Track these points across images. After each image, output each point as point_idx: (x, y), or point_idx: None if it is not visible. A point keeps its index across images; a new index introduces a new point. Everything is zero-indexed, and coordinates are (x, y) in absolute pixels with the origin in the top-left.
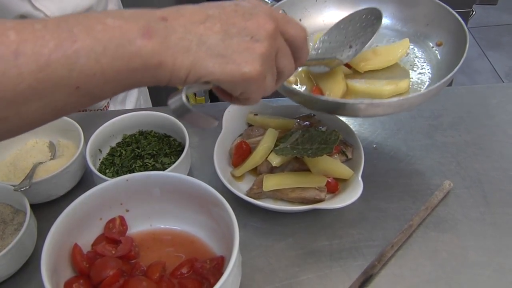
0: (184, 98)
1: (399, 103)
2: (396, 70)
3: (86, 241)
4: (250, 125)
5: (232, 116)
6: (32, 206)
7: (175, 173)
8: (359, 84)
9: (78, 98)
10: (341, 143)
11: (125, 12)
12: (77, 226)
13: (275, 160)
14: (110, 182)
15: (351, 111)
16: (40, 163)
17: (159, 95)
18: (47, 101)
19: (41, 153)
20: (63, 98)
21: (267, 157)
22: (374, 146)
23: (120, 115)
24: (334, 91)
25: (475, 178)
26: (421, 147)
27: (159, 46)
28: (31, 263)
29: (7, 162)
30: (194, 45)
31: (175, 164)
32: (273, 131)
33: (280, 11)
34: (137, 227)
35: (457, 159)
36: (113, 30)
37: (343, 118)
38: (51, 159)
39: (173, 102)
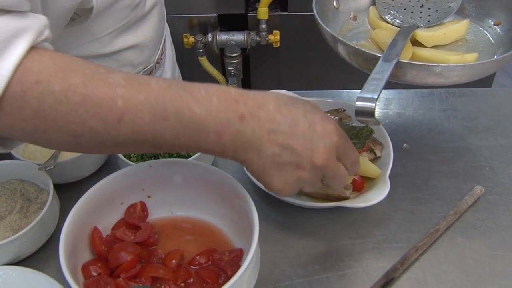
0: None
1: (473, 67)
2: (459, 47)
3: (106, 224)
4: None
5: None
6: (56, 186)
7: (198, 161)
8: (424, 52)
9: (155, 150)
10: (372, 140)
11: (213, 101)
12: (97, 209)
13: None
14: (132, 167)
15: (419, 75)
16: None
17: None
18: (132, 149)
19: None
20: (143, 149)
21: None
22: (405, 145)
23: None
24: (402, 55)
25: (508, 184)
26: (453, 150)
27: (226, 143)
28: (52, 242)
29: None
30: (253, 150)
31: (199, 153)
32: None
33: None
34: (158, 214)
35: (490, 164)
36: (196, 119)
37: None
38: None
39: (362, 105)
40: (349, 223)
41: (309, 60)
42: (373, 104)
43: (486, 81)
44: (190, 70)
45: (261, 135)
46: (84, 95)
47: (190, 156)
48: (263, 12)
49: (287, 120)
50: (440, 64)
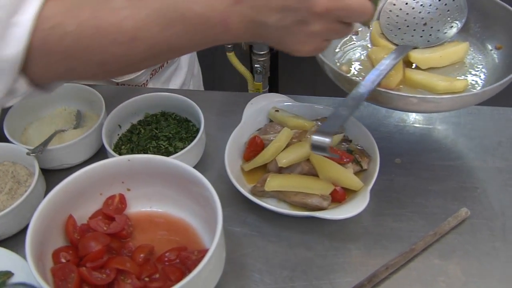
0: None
1: (451, 100)
2: (456, 70)
3: (83, 213)
4: (271, 121)
5: (254, 110)
6: (46, 171)
7: (175, 160)
8: (416, 75)
9: (176, 55)
10: (358, 152)
11: None
12: (75, 197)
13: (283, 161)
14: (111, 160)
15: (399, 105)
16: (62, 130)
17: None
18: (156, 61)
19: (66, 120)
20: (166, 58)
21: None
22: (397, 160)
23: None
24: (391, 78)
25: (498, 210)
26: (447, 168)
27: (234, 29)
28: None
29: (34, 126)
30: (261, 26)
31: (183, 150)
32: (288, 130)
33: None
34: (136, 207)
35: (483, 187)
36: (200, 18)
37: (365, 127)
38: (74, 128)
39: (317, 140)
40: (324, 235)
41: None
42: (328, 140)
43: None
44: (218, 65)
45: (260, 9)
46: (97, 26)
47: (172, 153)
48: None
49: None
50: (416, 96)
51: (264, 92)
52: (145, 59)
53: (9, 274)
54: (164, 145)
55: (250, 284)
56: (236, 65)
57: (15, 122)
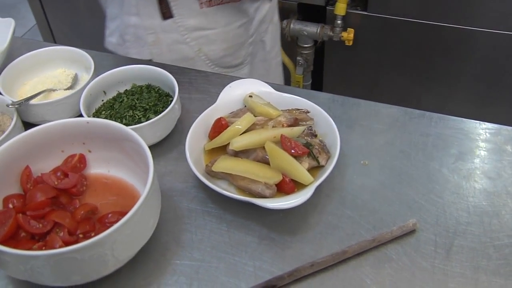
0: None
1: None
2: None
3: (43, 167)
4: (245, 106)
5: (231, 93)
6: (30, 125)
7: (128, 128)
8: None
9: None
10: (319, 148)
11: None
12: (35, 150)
13: (235, 144)
14: (71, 120)
15: None
16: (53, 90)
17: None
18: None
19: (62, 81)
20: None
21: None
22: (364, 162)
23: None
24: None
25: (451, 227)
26: (416, 176)
27: None
28: None
29: (32, 82)
30: None
31: (149, 121)
32: (250, 115)
33: None
34: (95, 169)
35: (448, 201)
36: None
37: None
38: (66, 89)
39: None
40: (265, 224)
41: (380, 64)
42: None
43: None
44: None
45: None
46: None
47: (149, 118)
48: (340, 7)
49: None
50: None
51: (305, 87)
52: None
53: None
54: (138, 115)
55: (178, 256)
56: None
57: (13, 77)
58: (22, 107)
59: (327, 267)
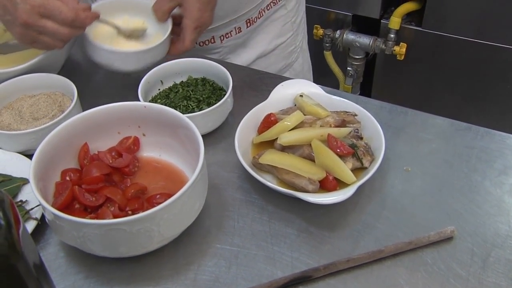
0: None
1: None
2: None
3: (100, 146)
4: (295, 105)
5: (283, 92)
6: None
7: (184, 116)
8: None
9: None
10: (363, 150)
11: None
12: (93, 129)
13: (283, 139)
14: (128, 103)
15: None
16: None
17: None
18: None
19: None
20: None
21: None
22: (407, 168)
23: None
24: None
25: (489, 238)
26: (457, 186)
27: None
28: None
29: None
30: None
31: (201, 112)
32: (300, 113)
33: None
34: (148, 152)
35: (488, 213)
36: None
37: (383, 130)
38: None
39: None
40: (305, 217)
41: (430, 81)
42: None
43: None
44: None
45: None
46: None
47: (202, 109)
48: (395, 21)
49: None
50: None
51: None
52: None
53: (25, 180)
54: (192, 106)
55: (219, 240)
56: (331, 64)
57: None
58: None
59: (363, 264)
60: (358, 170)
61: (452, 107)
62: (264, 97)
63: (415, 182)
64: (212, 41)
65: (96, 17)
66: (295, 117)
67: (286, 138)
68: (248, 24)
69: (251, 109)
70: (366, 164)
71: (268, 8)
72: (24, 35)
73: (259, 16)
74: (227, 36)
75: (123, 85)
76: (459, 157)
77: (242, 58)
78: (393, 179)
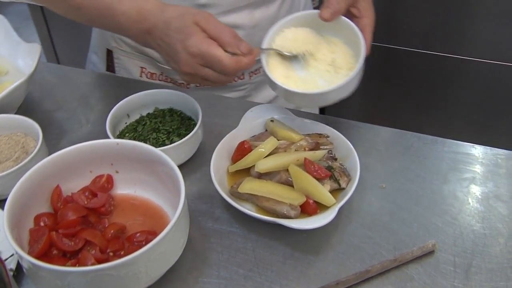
0: None
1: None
2: None
3: (72, 187)
4: (266, 131)
5: (253, 118)
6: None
7: (158, 150)
8: None
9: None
10: (339, 171)
11: (132, 15)
12: (65, 171)
13: (261, 167)
14: (101, 141)
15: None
16: None
17: None
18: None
19: None
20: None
21: None
22: (381, 185)
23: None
24: None
25: (468, 248)
26: (432, 199)
27: (140, 40)
28: None
29: None
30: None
31: (174, 144)
32: (274, 139)
33: None
34: (122, 190)
35: (464, 223)
36: (121, 25)
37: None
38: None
39: None
40: (289, 243)
41: (382, 93)
42: None
43: None
44: None
45: (153, 40)
46: None
47: (173, 140)
48: None
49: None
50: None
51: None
52: (90, 20)
53: None
54: (162, 138)
55: (205, 274)
56: None
57: None
58: None
59: (351, 285)
60: (336, 191)
61: (405, 118)
62: (233, 123)
63: (391, 199)
64: (242, 77)
65: (257, 54)
66: (270, 144)
67: (264, 166)
68: None
69: (221, 136)
70: (343, 185)
71: None
72: (190, 80)
73: None
74: (256, 72)
75: (87, 120)
76: (430, 170)
77: (263, 95)
78: (370, 197)
